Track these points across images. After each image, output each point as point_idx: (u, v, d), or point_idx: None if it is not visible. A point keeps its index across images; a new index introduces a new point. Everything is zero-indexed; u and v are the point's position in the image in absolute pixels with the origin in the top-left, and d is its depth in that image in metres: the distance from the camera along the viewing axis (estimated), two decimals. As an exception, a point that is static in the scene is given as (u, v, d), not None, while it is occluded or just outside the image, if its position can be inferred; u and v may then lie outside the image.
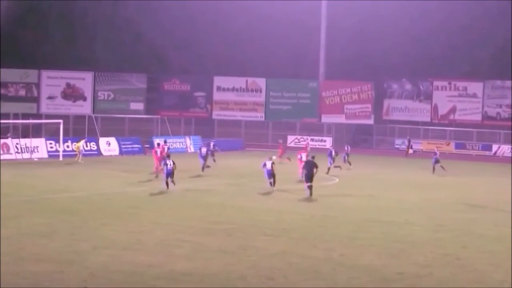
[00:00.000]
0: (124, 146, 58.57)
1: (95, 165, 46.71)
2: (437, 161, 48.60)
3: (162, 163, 36.30)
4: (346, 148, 50.83)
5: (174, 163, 34.12)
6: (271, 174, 35.75)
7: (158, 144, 48.36)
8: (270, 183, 35.75)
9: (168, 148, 47.52)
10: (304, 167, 34.49)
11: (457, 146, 70.72)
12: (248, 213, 28.03)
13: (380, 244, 22.33)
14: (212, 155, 48.92)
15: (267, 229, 24.34)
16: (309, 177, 33.52)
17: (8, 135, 54.00)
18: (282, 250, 20.99)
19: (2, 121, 59.50)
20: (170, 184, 34.00)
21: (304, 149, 47.99)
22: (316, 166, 33.80)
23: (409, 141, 51.11)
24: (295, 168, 45.09)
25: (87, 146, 54.49)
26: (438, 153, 49.99)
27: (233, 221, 25.82)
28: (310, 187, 33.46)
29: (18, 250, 20.12)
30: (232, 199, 32.36)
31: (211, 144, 51.11)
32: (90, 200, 30.63)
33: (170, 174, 34.01)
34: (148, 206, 29.09)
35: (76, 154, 50.86)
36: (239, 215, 27.35)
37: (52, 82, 74.99)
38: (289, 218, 26.92)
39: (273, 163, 36.08)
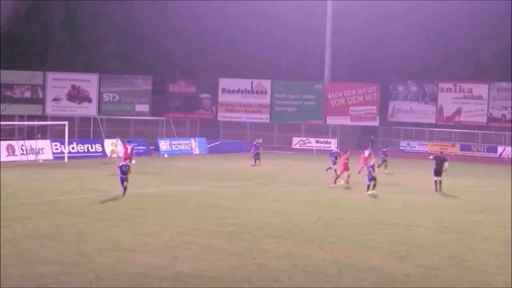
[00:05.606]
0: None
1: (101, 166, 46.69)
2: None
3: (118, 166, 34.41)
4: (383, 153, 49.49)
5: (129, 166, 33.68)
6: (372, 178, 36.00)
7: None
8: (368, 186, 35.95)
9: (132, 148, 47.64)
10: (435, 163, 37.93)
11: (462, 148, 70.72)
12: (255, 215, 27.99)
13: (387, 246, 22.30)
14: None
15: (274, 231, 24.33)
16: (438, 172, 37.47)
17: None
18: (288, 252, 20.97)
19: (8, 122, 59.58)
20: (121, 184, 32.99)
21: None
22: (446, 160, 37.94)
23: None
24: (301, 169, 45.12)
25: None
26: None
27: (240, 223, 25.81)
28: (439, 182, 37.27)
29: (24, 252, 20.14)
30: (239, 201, 32.36)
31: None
32: (96, 202, 30.65)
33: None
34: (154, 208, 29.05)
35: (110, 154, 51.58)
36: (246, 217, 27.30)
37: (57, 84, 75.06)
38: (296, 220, 26.85)
39: (372, 166, 36.35)
